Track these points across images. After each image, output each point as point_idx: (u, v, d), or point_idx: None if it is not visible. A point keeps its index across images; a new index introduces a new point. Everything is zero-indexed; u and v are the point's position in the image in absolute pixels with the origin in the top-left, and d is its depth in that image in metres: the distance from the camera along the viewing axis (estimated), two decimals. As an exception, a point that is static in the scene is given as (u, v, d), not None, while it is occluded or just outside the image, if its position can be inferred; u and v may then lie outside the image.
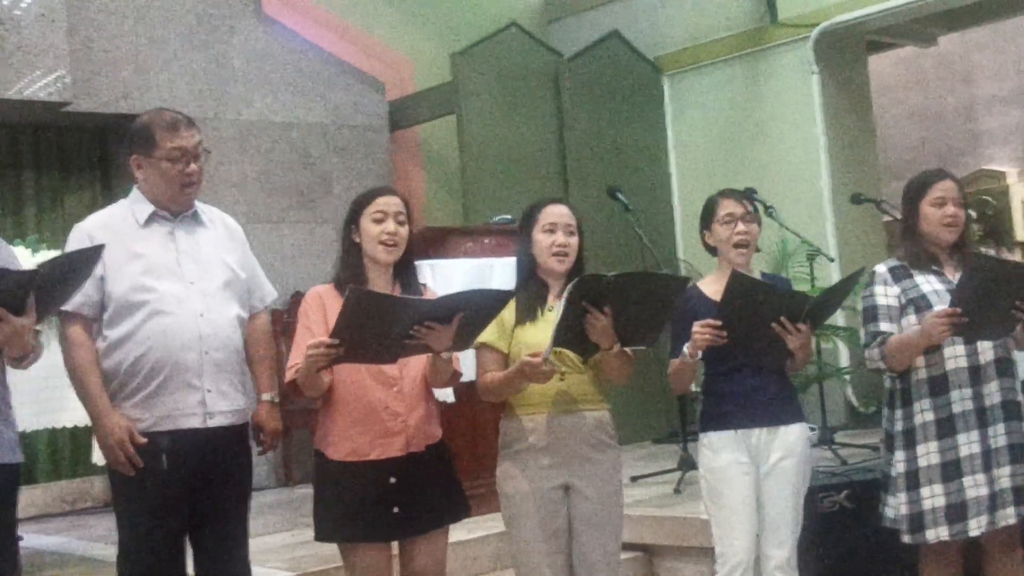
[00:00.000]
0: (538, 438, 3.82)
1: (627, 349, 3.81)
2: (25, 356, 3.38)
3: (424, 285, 3.89)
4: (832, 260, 7.62)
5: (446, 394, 5.20)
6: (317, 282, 8.68)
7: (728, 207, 4.18)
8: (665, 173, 9.71)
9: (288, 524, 6.37)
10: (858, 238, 8.76)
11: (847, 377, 8.28)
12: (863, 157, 9.17)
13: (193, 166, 3.80)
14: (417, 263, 4.74)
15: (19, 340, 3.24)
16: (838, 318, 7.68)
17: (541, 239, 3.91)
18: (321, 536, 3.77)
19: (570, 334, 3.62)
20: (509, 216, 6.73)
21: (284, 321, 7.42)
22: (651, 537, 5.70)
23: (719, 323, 3.87)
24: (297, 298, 8.36)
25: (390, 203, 3.77)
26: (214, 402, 3.73)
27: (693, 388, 4.53)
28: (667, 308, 3.79)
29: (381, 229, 3.73)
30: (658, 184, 9.62)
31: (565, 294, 3.56)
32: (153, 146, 3.77)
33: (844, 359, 8.41)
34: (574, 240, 3.94)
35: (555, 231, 3.91)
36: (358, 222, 3.78)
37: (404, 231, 3.78)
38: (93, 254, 3.48)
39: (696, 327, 3.90)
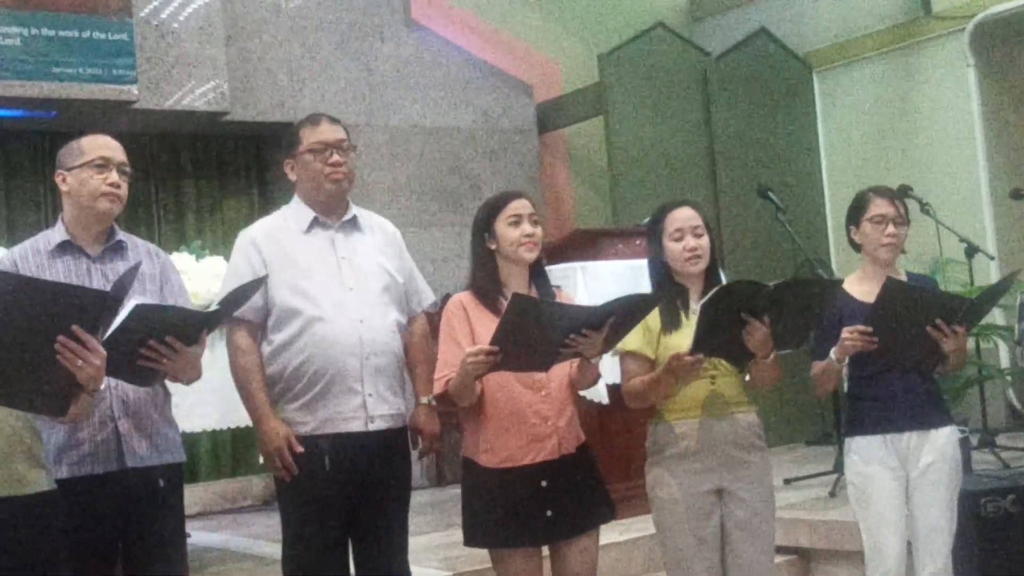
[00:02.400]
0: (689, 443, 3.80)
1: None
2: (193, 379, 3.51)
3: (558, 287, 3.90)
4: (992, 258, 7.42)
5: (600, 395, 5.20)
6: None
7: (880, 207, 4.09)
8: (816, 171, 9.56)
9: (442, 524, 6.43)
10: (1019, 235, 8.51)
11: (1008, 378, 8.05)
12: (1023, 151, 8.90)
13: (336, 157, 3.87)
14: (568, 265, 4.76)
15: (192, 368, 3.39)
16: (998, 317, 7.48)
17: (672, 247, 3.87)
18: (472, 542, 3.80)
19: (722, 342, 3.59)
20: (660, 217, 6.70)
21: (435, 324, 7.50)
22: (806, 540, 5.62)
23: (870, 329, 3.80)
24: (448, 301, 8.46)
25: (523, 206, 3.78)
26: (375, 406, 3.80)
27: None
28: (817, 311, 3.74)
29: (520, 232, 3.73)
30: (808, 183, 9.47)
31: (705, 300, 3.53)
32: (298, 144, 3.89)
33: (1005, 360, 8.17)
34: (704, 241, 3.88)
35: (683, 236, 3.86)
36: (491, 228, 3.79)
37: (540, 232, 3.80)
38: (257, 284, 3.59)
39: (846, 333, 3.84)
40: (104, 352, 2.91)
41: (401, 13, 9.04)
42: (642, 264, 5.84)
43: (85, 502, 3.41)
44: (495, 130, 9.35)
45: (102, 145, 3.59)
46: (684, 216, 3.88)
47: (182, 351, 3.24)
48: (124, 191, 3.59)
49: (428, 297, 4.15)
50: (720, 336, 3.57)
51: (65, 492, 3.34)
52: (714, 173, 9.07)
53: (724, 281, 3.86)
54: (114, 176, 3.54)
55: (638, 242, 6.24)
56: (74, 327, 2.83)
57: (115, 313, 2.99)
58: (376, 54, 8.89)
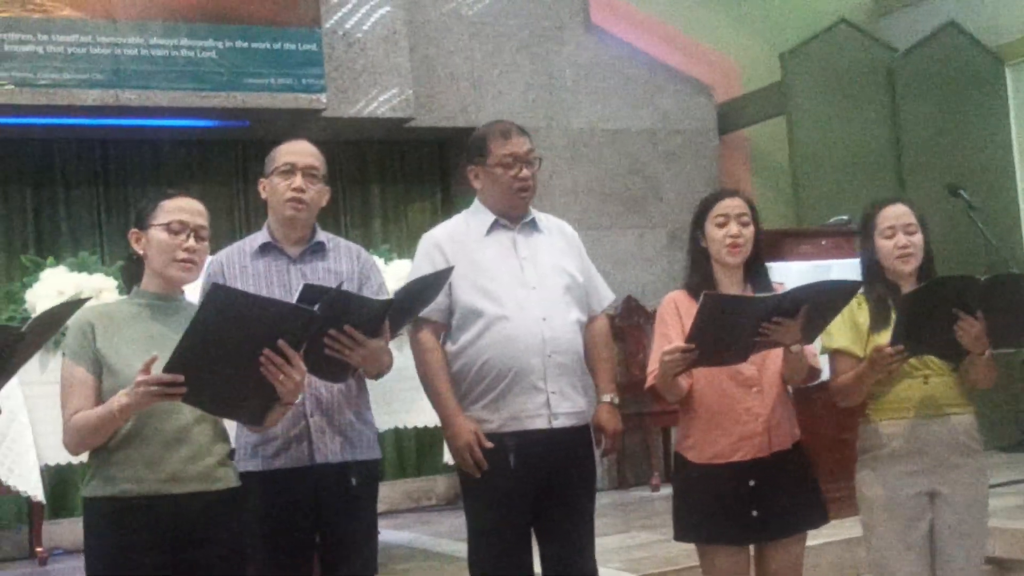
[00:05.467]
0: (899, 444, 3.71)
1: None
2: (381, 372, 3.59)
3: (781, 284, 3.84)
4: None
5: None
6: (648, 287, 8.86)
7: None
8: (1008, 169, 9.25)
9: (624, 526, 6.44)
10: None
11: None
12: None
13: (525, 171, 3.92)
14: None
15: (376, 360, 3.48)
16: None
17: (882, 244, 3.80)
18: (680, 536, 3.80)
19: (932, 337, 3.51)
20: (846, 217, 6.59)
21: (616, 326, 7.51)
22: (1003, 550, 5.44)
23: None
24: (629, 303, 8.47)
25: (732, 206, 3.75)
26: (558, 403, 3.83)
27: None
28: None
29: (725, 232, 3.72)
30: (1001, 180, 9.17)
31: (911, 291, 3.45)
32: (487, 154, 3.94)
33: None
34: (917, 238, 3.81)
35: (895, 233, 3.79)
36: (703, 226, 3.78)
37: (748, 232, 3.75)
38: (442, 276, 3.66)
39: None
40: (305, 368, 3.03)
41: (581, 16, 9.08)
42: (828, 264, 5.81)
43: (278, 495, 3.54)
44: (675, 131, 9.31)
45: (289, 151, 3.71)
46: (897, 213, 3.82)
47: (364, 342, 3.32)
48: (310, 195, 3.69)
49: (608, 297, 4.16)
50: (929, 331, 3.49)
51: (259, 484, 3.48)
52: (901, 172, 8.86)
53: None
54: (298, 181, 3.65)
55: (823, 242, 6.15)
56: (280, 342, 2.94)
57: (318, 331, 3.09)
58: (556, 57, 8.95)
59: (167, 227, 3.19)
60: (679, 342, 3.50)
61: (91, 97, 7.13)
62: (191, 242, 3.21)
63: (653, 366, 3.66)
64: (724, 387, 3.67)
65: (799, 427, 3.81)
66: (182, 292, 3.31)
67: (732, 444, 3.65)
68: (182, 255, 3.20)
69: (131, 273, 3.34)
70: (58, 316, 2.64)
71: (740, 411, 3.66)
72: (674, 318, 3.73)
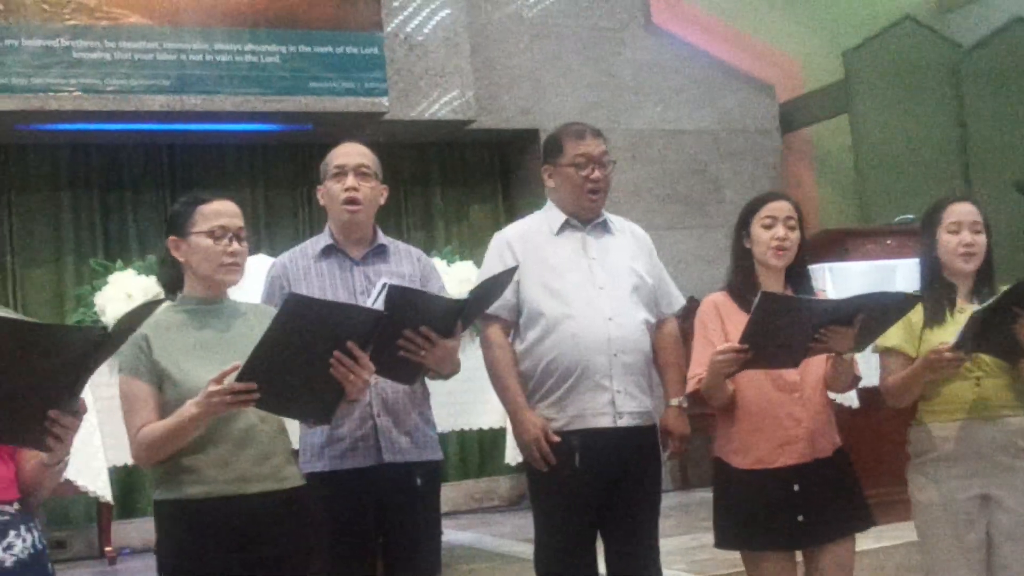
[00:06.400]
0: (952, 446, 3.66)
1: None
2: (452, 372, 3.61)
3: (822, 291, 3.82)
4: None
5: (850, 398, 5.09)
6: (710, 288, 8.75)
7: None
8: (1079, 165, 9.11)
9: (687, 527, 6.40)
10: None
11: None
12: None
13: (597, 172, 3.94)
14: (815, 266, 4.67)
15: (449, 360, 3.49)
16: None
17: (946, 240, 3.74)
18: (723, 544, 3.77)
19: (992, 338, 3.47)
20: (911, 216, 6.52)
21: (679, 328, 7.48)
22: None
23: None
24: (690, 304, 8.42)
25: (780, 208, 3.71)
26: (623, 402, 3.83)
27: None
28: None
29: (771, 235, 3.67)
30: (1071, 178, 9.03)
31: (997, 297, 3.41)
32: (560, 154, 3.96)
33: None
34: (981, 238, 3.75)
35: (960, 230, 3.74)
36: (749, 228, 3.75)
37: (795, 236, 3.70)
38: (507, 275, 3.68)
39: None
40: (373, 368, 3.06)
41: (641, 17, 9.07)
42: (893, 264, 5.75)
43: (345, 494, 3.57)
44: (736, 131, 9.27)
45: (339, 154, 3.75)
46: (964, 210, 3.77)
47: (438, 343, 3.34)
48: (364, 192, 3.71)
49: (679, 300, 4.16)
50: (991, 332, 3.44)
51: (325, 485, 3.52)
52: (967, 169, 8.77)
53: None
54: (350, 180, 3.68)
55: (888, 241, 6.09)
56: (349, 343, 2.97)
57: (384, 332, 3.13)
58: (617, 58, 8.94)
59: (210, 233, 3.20)
60: (723, 344, 3.49)
61: (157, 103, 7.23)
62: (234, 245, 3.22)
63: (696, 370, 3.64)
64: (766, 392, 3.63)
65: (850, 429, 3.77)
66: (225, 293, 3.34)
67: (775, 449, 3.61)
68: (227, 259, 3.21)
69: (170, 279, 3.34)
70: (138, 318, 2.69)
71: (783, 416, 3.62)
72: (715, 321, 3.70)
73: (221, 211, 3.23)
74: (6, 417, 2.46)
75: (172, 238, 3.26)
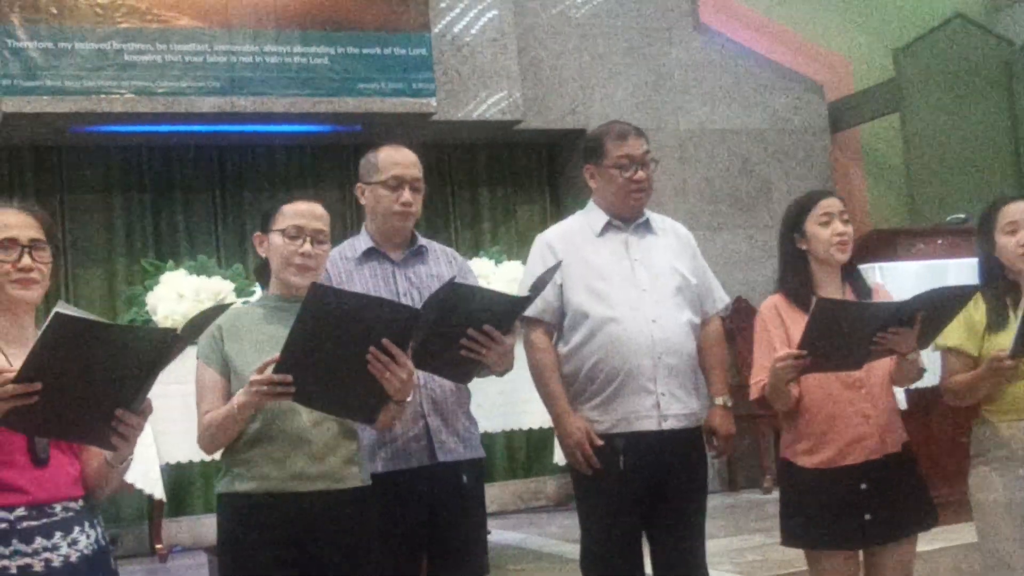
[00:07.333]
0: (1015, 445, 3.63)
1: None
2: (508, 369, 3.60)
3: (880, 284, 3.79)
4: None
5: (899, 400, 5.05)
6: (758, 288, 8.77)
7: None
8: None
9: (734, 528, 6.40)
10: None
11: None
12: None
13: (640, 173, 3.93)
14: (864, 266, 4.65)
15: (507, 358, 3.48)
16: None
17: (1004, 241, 3.71)
18: (789, 541, 3.75)
19: None
20: (963, 215, 6.47)
21: (726, 327, 7.44)
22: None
23: None
24: (739, 304, 8.40)
25: (833, 204, 3.71)
26: (668, 405, 3.82)
27: None
28: None
29: (831, 231, 3.66)
30: (1125, 176, 8.93)
31: None
32: (603, 155, 3.95)
33: None
34: None
35: (1017, 230, 3.69)
36: (801, 228, 3.74)
37: (851, 230, 3.72)
38: (551, 272, 3.68)
39: None
40: (411, 367, 3.06)
41: (689, 16, 9.04)
42: (945, 264, 5.71)
43: (397, 495, 3.57)
44: (785, 131, 9.22)
45: (396, 163, 3.70)
46: (1020, 209, 3.73)
47: (500, 340, 3.33)
48: (417, 207, 3.71)
49: (722, 300, 4.13)
50: None
51: (379, 485, 3.50)
52: (1019, 169, 8.67)
53: None
54: (406, 195, 3.66)
55: (940, 241, 6.05)
56: (384, 340, 2.97)
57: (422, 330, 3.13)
58: (665, 58, 8.92)
59: (284, 232, 3.26)
60: (784, 349, 3.47)
61: (208, 104, 7.29)
62: (307, 246, 3.26)
63: (758, 376, 3.63)
64: (832, 390, 3.61)
65: (911, 428, 3.74)
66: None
67: (843, 448, 3.60)
68: (298, 260, 3.25)
69: (261, 275, 3.44)
70: (205, 319, 2.74)
71: (851, 414, 3.60)
72: (776, 324, 3.68)
73: (301, 211, 3.30)
74: (75, 415, 2.51)
75: (257, 234, 3.37)
